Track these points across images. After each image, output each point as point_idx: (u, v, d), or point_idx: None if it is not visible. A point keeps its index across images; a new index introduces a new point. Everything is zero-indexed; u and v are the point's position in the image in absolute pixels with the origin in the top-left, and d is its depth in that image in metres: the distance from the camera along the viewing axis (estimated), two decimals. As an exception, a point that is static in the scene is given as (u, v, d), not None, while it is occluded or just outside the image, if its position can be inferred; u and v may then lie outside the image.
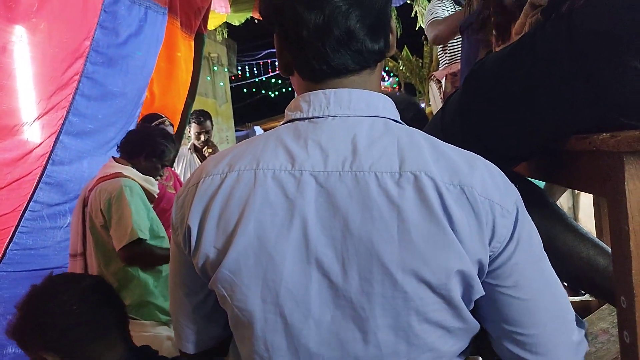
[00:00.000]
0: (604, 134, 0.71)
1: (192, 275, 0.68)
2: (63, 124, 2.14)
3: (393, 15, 0.75)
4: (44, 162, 2.12)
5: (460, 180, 0.58)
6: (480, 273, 0.60)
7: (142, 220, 1.80)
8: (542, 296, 0.63)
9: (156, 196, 2.05)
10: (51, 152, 2.13)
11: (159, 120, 2.47)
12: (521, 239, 0.61)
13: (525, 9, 0.97)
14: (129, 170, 1.95)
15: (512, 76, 0.84)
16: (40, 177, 2.11)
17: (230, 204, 0.61)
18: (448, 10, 2.43)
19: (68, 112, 2.15)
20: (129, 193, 1.81)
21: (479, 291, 0.60)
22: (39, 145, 2.10)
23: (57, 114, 2.13)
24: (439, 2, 2.48)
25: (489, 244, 0.59)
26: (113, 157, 2.03)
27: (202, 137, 3.35)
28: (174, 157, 3.17)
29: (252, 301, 0.60)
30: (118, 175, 1.90)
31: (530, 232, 0.63)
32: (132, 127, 2.66)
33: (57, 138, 2.14)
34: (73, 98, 2.16)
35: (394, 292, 0.57)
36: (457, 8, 2.44)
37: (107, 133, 2.39)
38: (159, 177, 2.09)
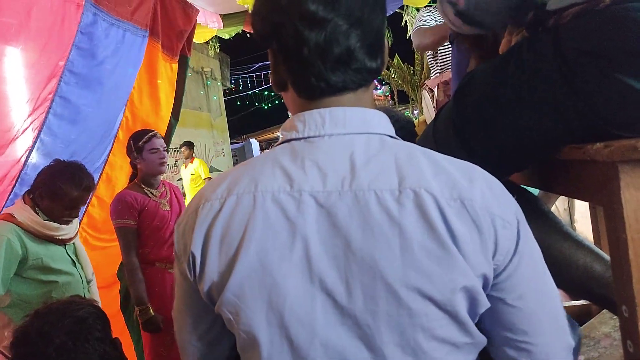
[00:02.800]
0: (598, 144, 0.71)
1: (198, 303, 0.67)
2: (34, 143, 2.13)
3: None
4: (14, 182, 2.08)
5: (460, 194, 0.58)
6: (485, 286, 0.59)
7: None
8: (544, 306, 0.63)
9: (62, 239, 1.94)
10: (21, 171, 2.09)
11: (151, 134, 2.33)
12: (524, 251, 0.60)
13: (509, 28, 0.97)
14: (23, 213, 1.84)
15: (501, 88, 0.84)
16: (8, 197, 2.08)
17: (231, 228, 0.60)
18: (436, 20, 2.45)
19: (40, 132, 2.13)
20: None
21: (485, 304, 0.59)
22: (14, 165, 2.08)
23: (31, 134, 2.11)
24: (428, 11, 2.50)
25: (493, 257, 0.58)
26: (24, 195, 1.91)
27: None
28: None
29: (257, 324, 0.60)
30: (6, 218, 1.82)
31: (531, 244, 0.63)
32: (107, 148, 2.61)
33: (28, 157, 2.12)
34: (46, 117, 2.13)
35: (398, 309, 0.57)
36: None
37: (79, 153, 2.33)
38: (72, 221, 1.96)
